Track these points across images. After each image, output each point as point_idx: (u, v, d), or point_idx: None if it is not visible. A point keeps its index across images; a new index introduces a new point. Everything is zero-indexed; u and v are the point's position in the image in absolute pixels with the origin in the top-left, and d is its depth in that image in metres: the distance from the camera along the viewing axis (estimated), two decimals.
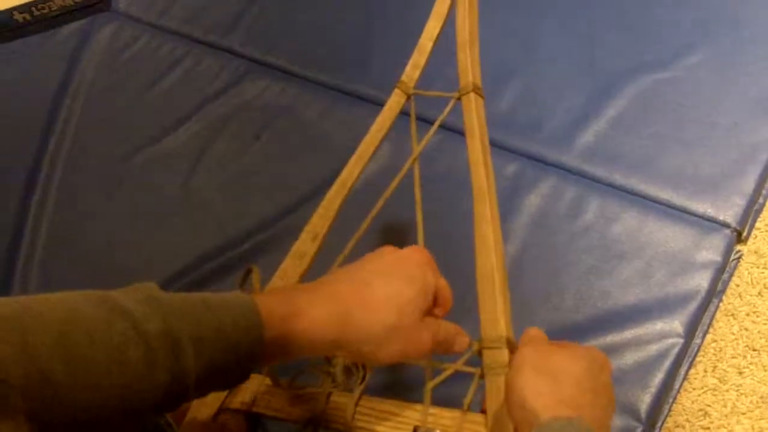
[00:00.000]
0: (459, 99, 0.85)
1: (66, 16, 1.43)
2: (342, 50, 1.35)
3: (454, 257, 1.05)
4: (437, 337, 0.65)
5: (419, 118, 0.88)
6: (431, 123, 0.89)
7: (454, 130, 1.16)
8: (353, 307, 0.61)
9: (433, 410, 0.69)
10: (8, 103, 1.37)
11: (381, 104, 0.89)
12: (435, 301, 0.67)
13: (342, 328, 0.60)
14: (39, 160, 1.28)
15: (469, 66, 0.85)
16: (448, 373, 0.72)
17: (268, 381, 0.75)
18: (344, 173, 0.84)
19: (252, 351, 0.57)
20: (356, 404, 0.71)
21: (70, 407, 0.47)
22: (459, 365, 0.72)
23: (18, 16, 1.40)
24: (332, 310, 0.61)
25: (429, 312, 0.66)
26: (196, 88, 1.33)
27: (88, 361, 0.48)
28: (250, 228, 1.15)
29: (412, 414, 0.70)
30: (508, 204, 1.13)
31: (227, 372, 0.57)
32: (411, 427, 0.67)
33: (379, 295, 0.63)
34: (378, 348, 0.62)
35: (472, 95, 0.83)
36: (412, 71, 0.88)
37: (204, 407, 0.74)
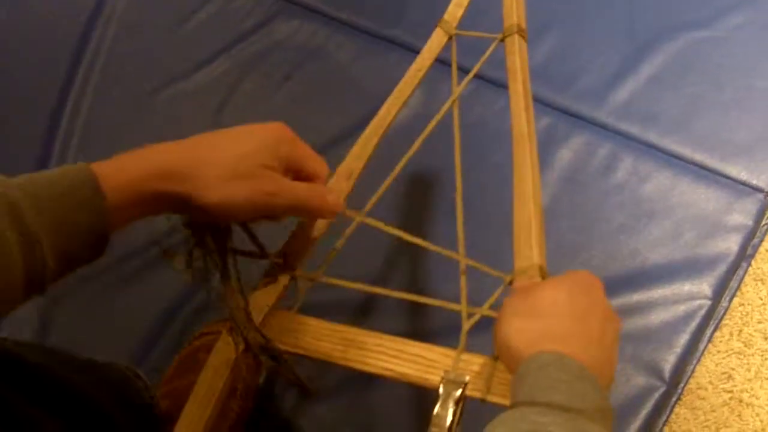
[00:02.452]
0: (502, 41, 0.83)
1: None
2: None
3: (484, 208, 1.06)
4: (283, 189, 0.67)
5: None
6: (465, 71, 0.87)
7: (489, 80, 1.15)
8: (188, 150, 0.64)
9: (464, 356, 0.68)
10: (37, 32, 1.35)
11: (415, 51, 0.87)
12: (301, 174, 0.70)
13: (176, 167, 0.62)
14: (67, 90, 1.27)
15: (514, 7, 0.83)
16: (476, 318, 0.72)
17: (297, 318, 0.75)
18: (381, 112, 0.83)
19: (92, 199, 0.58)
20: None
21: None
22: (487, 311, 0.72)
23: None
24: (170, 156, 0.63)
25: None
26: (228, 25, 1.31)
27: None
28: None
29: (442, 359, 0.69)
30: (540, 157, 1.09)
31: (77, 226, 0.57)
32: (440, 372, 0.67)
33: (218, 142, 0.66)
34: (210, 190, 0.63)
35: (516, 37, 0.81)
36: (455, 10, 0.87)
37: (230, 342, 0.73)
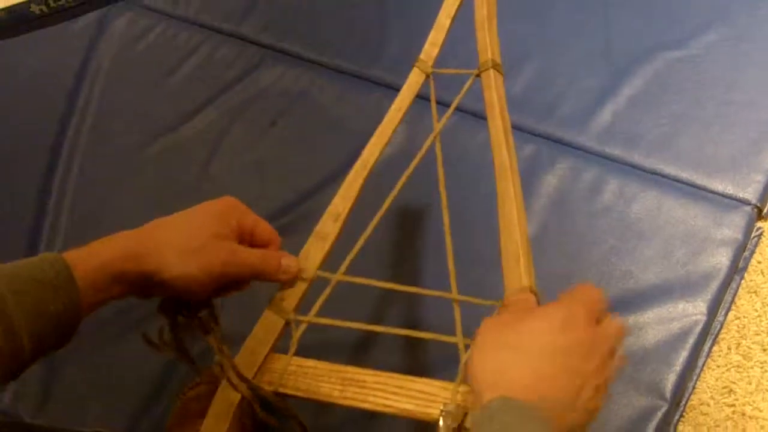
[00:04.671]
0: (478, 76, 0.85)
1: (82, 6, 1.43)
2: (356, 35, 1.34)
3: (472, 241, 1.06)
4: (236, 256, 0.71)
5: (436, 101, 0.88)
6: (446, 105, 0.89)
7: (470, 112, 1.16)
8: (148, 233, 0.69)
9: (462, 388, 0.69)
10: (27, 93, 1.38)
11: (396, 88, 0.89)
12: (255, 241, 0.75)
13: (138, 249, 0.67)
14: (57, 148, 1.29)
15: (488, 42, 0.85)
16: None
17: (294, 362, 0.75)
18: (365, 153, 0.84)
19: (66, 288, 0.62)
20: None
21: None
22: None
23: (35, 8, 1.40)
24: (132, 241, 0.68)
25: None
26: (213, 76, 1.33)
27: None
28: (269, 214, 1.15)
29: (441, 392, 0.69)
30: (526, 185, 1.09)
31: (51, 315, 0.61)
32: (440, 405, 0.67)
33: (173, 223, 0.71)
34: (169, 266, 0.67)
35: (491, 72, 0.83)
36: (430, 49, 0.88)
37: (229, 390, 0.74)
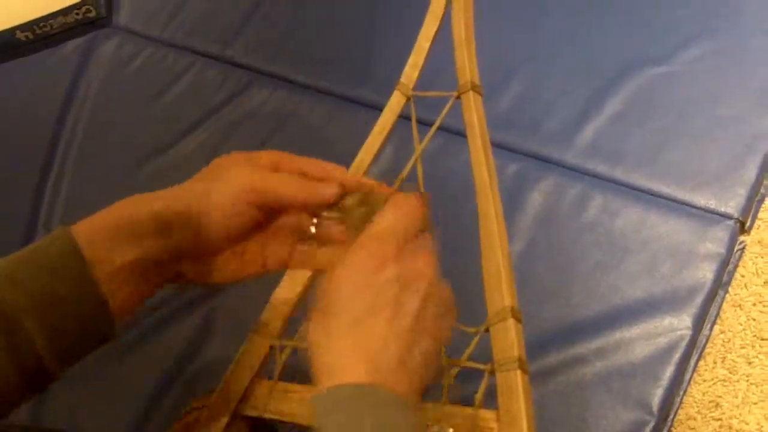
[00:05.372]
0: (458, 98, 0.86)
1: (67, 33, 1.44)
2: (344, 57, 1.35)
3: (459, 259, 1.07)
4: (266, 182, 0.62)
5: (420, 122, 0.89)
6: (431, 125, 0.90)
7: (455, 132, 1.17)
8: (178, 213, 0.60)
9: (447, 408, 0.69)
10: (14, 120, 1.39)
11: (383, 109, 0.90)
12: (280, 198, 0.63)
13: (140, 205, 0.59)
14: (46, 174, 1.29)
15: (466, 64, 0.86)
16: (456, 369, 0.73)
17: (279, 386, 0.76)
18: (348, 175, 0.84)
19: (78, 275, 0.52)
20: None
21: None
22: (466, 362, 0.73)
23: (20, 35, 1.41)
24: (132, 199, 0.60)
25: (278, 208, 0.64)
26: (201, 99, 1.34)
27: None
28: None
29: (426, 413, 0.70)
30: (511, 203, 1.13)
31: (62, 299, 0.52)
32: (425, 426, 0.68)
33: (210, 197, 0.61)
34: (188, 222, 0.60)
35: (470, 93, 0.84)
36: (410, 72, 0.89)
37: (216, 416, 0.74)
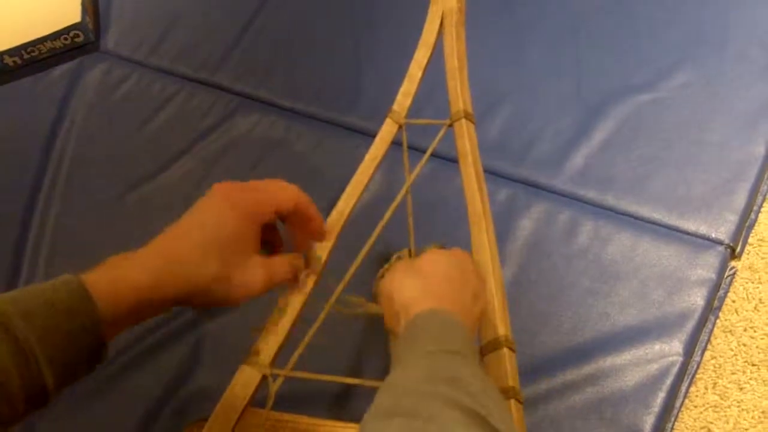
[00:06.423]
0: (451, 126, 0.86)
1: (55, 58, 1.44)
2: (331, 83, 1.35)
3: None
4: (272, 277, 0.71)
5: (410, 148, 0.89)
6: (423, 151, 0.90)
7: (446, 158, 1.17)
8: (171, 261, 0.64)
9: None
10: (2, 144, 1.38)
11: (372, 135, 0.90)
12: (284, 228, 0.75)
13: (163, 282, 0.63)
14: (33, 200, 1.28)
15: (459, 93, 0.86)
16: None
17: (271, 415, 0.75)
18: (340, 204, 0.85)
19: (86, 312, 0.57)
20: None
21: None
22: None
23: (8, 60, 1.40)
24: (152, 266, 0.63)
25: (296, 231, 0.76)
26: (188, 124, 1.34)
27: None
28: None
29: None
30: (502, 229, 1.13)
31: (72, 339, 0.57)
32: None
33: (193, 242, 0.66)
34: (207, 296, 0.66)
35: (463, 121, 0.84)
36: (403, 100, 0.89)
37: None
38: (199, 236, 0.66)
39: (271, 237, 0.75)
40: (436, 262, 0.73)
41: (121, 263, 0.63)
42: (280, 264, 0.73)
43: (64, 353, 0.57)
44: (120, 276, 0.61)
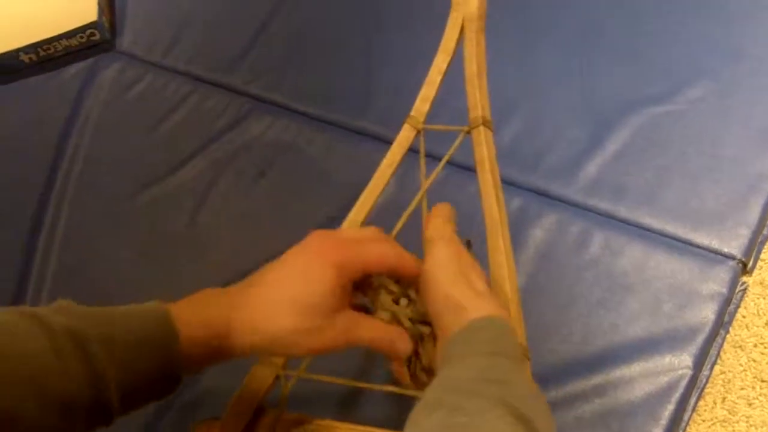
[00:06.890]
0: (468, 133, 0.86)
1: (71, 56, 1.44)
2: (344, 87, 1.36)
3: None
4: (353, 336, 0.68)
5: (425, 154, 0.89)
6: (436, 158, 0.90)
7: (460, 166, 1.17)
8: (252, 312, 0.65)
9: None
10: (15, 141, 1.38)
11: (384, 140, 0.90)
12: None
13: (244, 333, 0.65)
14: (46, 198, 1.29)
15: (478, 100, 0.86)
16: None
17: (284, 416, 0.75)
18: (356, 208, 0.85)
19: (167, 348, 0.60)
20: None
21: None
22: None
23: (24, 57, 1.41)
24: (238, 317, 0.65)
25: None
26: (201, 126, 1.34)
27: None
28: (257, 265, 1.14)
29: None
30: (513, 238, 1.10)
31: (148, 375, 0.59)
32: None
33: (275, 298, 0.66)
34: (287, 348, 0.66)
35: (481, 128, 0.84)
36: (421, 105, 0.89)
37: None
38: (287, 292, 0.67)
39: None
40: (467, 264, 0.71)
41: (209, 302, 0.66)
42: (368, 329, 0.70)
43: (138, 384, 0.58)
44: (208, 320, 0.64)
